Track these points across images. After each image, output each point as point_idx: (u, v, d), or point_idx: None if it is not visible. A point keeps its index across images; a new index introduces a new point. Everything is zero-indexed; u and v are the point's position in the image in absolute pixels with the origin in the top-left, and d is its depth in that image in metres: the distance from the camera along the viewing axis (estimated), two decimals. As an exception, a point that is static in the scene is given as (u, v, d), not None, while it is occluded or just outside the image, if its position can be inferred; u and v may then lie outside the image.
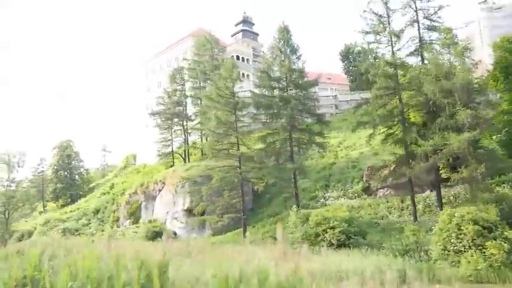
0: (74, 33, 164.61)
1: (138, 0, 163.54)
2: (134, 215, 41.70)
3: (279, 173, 25.66)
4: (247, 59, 64.88)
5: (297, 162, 26.88)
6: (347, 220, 20.09)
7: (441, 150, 20.22)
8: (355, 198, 30.95)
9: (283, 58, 27.09)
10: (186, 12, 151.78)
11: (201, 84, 40.57)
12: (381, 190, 31.02)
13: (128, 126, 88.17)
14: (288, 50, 27.32)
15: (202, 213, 32.21)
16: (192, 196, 31.51)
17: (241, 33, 69.84)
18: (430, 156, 21.95)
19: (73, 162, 74.59)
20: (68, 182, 72.48)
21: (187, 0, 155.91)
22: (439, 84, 20.95)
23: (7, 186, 55.42)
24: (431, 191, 27.26)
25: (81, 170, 75.56)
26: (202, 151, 41.96)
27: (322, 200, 31.60)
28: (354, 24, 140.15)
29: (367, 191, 31.60)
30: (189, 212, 32.75)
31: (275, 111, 25.77)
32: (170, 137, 42.20)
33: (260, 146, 28.08)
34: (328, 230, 19.66)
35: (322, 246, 19.38)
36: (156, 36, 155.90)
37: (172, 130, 42.18)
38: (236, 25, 73.01)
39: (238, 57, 62.40)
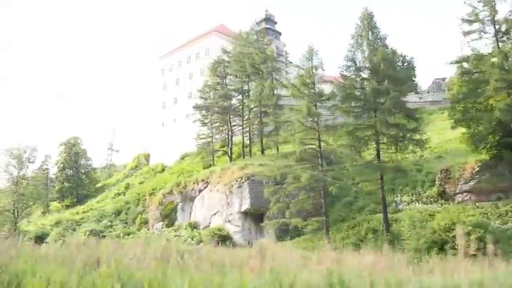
0: (74, 33, 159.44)
1: (137, 0, 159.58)
2: (169, 217, 38.44)
3: (370, 172, 23.12)
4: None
5: (380, 161, 24.28)
6: (480, 225, 17.66)
7: None
8: (430, 203, 28.60)
9: (366, 46, 24.69)
10: (185, 13, 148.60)
11: (249, 78, 37.76)
12: (459, 195, 28.69)
13: (135, 125, 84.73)
14: (374, 39, 24.94)
15: (261, 216, 29.42)
16: (253, 197, 28.67)
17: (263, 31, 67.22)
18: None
19: (81, 160, 70.63)
20: (75, 181, 68.43)
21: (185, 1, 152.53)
22: None
23: (18, 182, 51.38)
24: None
25: (89, 168, 71.55)
26: (243, 149, 39.10)
27: (393, 205, 29.13)
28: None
29: (442, 195, 29.32)
30: (246, 214, 29.85)
31: (366, 104, 23.28)
32: (211, 133, 39.15)
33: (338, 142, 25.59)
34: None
35: (454, 255, 16.82)
36: (157, 35, 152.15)
37: (213, 125, 39.19)
38: (258, 23, 70.38)
39: (261, 56, 60.06)
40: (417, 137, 22.87)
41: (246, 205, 29.17)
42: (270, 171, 25.50)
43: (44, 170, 67.91)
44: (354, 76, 24.13)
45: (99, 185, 72.79)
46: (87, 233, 39.28)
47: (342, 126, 23.42)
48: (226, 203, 30.95)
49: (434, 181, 30.34)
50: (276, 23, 70.80)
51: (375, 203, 30.53)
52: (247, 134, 38.49)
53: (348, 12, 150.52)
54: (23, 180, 51.49)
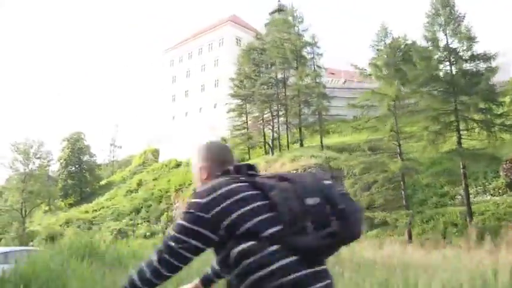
0: (71, 29, 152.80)
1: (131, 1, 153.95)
2: (201, 215, 35.89)
3: (453, 161, 21.26)
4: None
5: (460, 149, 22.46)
6: None
7: None
8: (499, 195, 26.96)
9: (444, 26, 22.83)
10: (178, 14, 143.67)
11: (286, 65, 35.41)
12: (530, 186, 27.20)
13: (140, 120, 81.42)
14: (452, 17, 23.07)
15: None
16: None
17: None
18: None
19: (84, 156, 67.24)
20: (79, 179, 65.06)
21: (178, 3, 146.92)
22: None
23: (25, 179, 47.99)
24: None
25: (93, 165, 68.21)
26: (278, 141, 36.84)
27: (459, 197, 27.39)
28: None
29: (510, 187, 27.71)
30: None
31: (451, 86, 21.38)
32: (246, 124, 36.69)
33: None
34: None
35: None
36: (153, 32, 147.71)
37: (248, 116, 36.79)
38: (271, 14, 68.25)
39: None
40: (509, 122, 21.13)
41: (303, 199, 26.94)
42: (342, 162, 23.31)
43: (46, 167, 64.33)
44: (436, 57, 22.19)
45: (103, 182, 69.60)
46: (114, 233, 36.63)
47: (423, 110, 21.41)
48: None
49: (498, 172, 28.78)
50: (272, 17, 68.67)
51: (437, 196, 28.80)
52: (284, 125, 36.29)
53: (359, 6, 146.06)
54: (30, 177, 48.06)
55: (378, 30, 23.08)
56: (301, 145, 35.45)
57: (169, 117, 64.30)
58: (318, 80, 33.73)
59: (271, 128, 35.19)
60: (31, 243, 43.27)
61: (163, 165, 58.48)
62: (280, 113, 36.09)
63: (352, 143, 36.03)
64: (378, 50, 22.49)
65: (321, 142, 33.23)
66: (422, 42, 23.36)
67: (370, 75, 22.45)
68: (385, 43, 22.80)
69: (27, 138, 49.70)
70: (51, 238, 43.56)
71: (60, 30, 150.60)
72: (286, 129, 36.28)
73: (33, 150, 49.88)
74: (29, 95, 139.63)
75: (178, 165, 55.79)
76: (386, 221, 23.54)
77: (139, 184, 55.00)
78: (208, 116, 57.45)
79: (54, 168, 65.94)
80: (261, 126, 36.47)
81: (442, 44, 22.69)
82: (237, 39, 59.79)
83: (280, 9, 67.44)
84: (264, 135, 36.31)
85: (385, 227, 24.74)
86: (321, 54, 34.45)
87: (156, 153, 67.54)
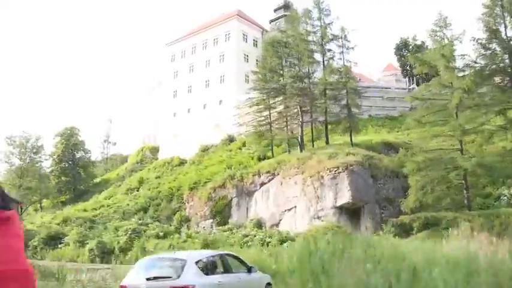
0: (63, 25, 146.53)
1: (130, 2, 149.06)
2: (221, 215, 33.98)
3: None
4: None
5: None
6: None
7: None
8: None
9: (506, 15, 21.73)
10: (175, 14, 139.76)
11: (312, 59, 33.82)
12: None
13: (135, 116, 77.98)
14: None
15: (357, 211, 25.93)
16: (354, 189, 25.08)
17: (283, 19, 63.53)
18: None
19: (78, 153, 64.09)
20: (73, 176, 61.90)
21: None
22: None
23: (22, 175, 44.92)
24: None
25: (87, 162, 65.13)
26: (299, 138, 35.16)
27: (504, 198, 26.40)
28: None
29: None
30: (341, 209, 26.11)
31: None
32: (269, 120, 34.82)
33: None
34: None
35: None
36: (150, 28, 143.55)
37: (271, 110, 35.00)
38: (276, 10, 67.04)
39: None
40: None
41: (345, 198, 25.39)
42: (402, 157, 21.82)
43: (37, 163, 60.94)
44: (498, 48, 21.04)
45: (97, 179, 66.62)
46: (129, 233, 34.17)
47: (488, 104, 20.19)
48: (314, 196, 27.00)
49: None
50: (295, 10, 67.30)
51: (482, 197, 27.71)
52: (309, 122, 34.71)
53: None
54: (28, 173, 45.05)
55: (436, 20, 21.79)
56: (327, 142, 33.95)
57: (170, 113, 61.79)
58: (349, 75, 32.26)
59: (297, 123, 33.48)
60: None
61: (165, 162, 55.99)
62: (305, 109, 34.44)
63: (378, 141, 34.94)
64: (438, 40, 21.17)
65: (351, 139, 31.91)
66: (478, 34, 22.19)
67: (433, 66, 21.08)
68: (443, 33, 21.53)
69: (24, 131, 46.47)
70: (52, 238, 40.85)
71: (55, 23, 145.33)
72: (311, 125, 34.74)
73: (30, 144, 46.66)
74: (20, 89, 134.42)
75: (182, 163, 53.57)
76: (436, 222, 22.36)
77: (141, 182, 52.39)
78: (213, 113, 55.40)
79: (45, 164, 62.45)
80: (285, 122, 34.74)
81: (502, 35, 21.59)
82: (243, 34, 58.09)
83: (286, 6, 66.25)
84: (300, 131, 34.49)
85: (434, 228, 23.49)
86: (352, 48, 32.96)
87: (154, 150, 65.01)
